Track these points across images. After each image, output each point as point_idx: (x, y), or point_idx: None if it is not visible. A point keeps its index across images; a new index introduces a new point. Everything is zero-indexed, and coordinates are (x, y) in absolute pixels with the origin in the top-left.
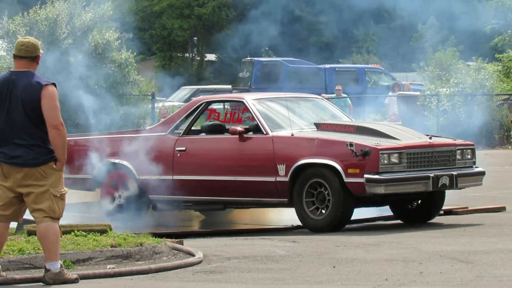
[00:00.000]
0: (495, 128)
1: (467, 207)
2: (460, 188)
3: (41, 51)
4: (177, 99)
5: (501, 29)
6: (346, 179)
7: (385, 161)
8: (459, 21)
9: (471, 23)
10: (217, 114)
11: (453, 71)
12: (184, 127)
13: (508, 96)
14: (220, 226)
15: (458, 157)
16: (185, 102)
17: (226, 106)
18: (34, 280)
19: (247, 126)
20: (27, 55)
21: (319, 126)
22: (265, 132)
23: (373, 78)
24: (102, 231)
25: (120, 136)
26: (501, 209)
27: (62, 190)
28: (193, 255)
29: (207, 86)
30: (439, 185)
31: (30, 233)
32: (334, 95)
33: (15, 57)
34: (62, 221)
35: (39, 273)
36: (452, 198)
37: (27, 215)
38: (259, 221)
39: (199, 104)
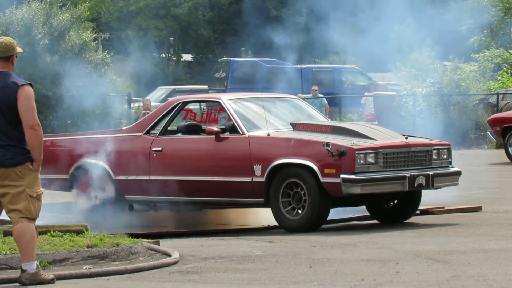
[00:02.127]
0: (471, 128)
1: (443, 207)
2: (436, 188)
3: (18, 49)
4: (153, 99)
5: (477, 29)
6: (322, 179)
7: (361, 161)
8: (435, 21)
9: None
10: (193, 114)
11: (429, 71)
12: (160, 127)
13: (484, 96)
14: (196, 227)
15: (434, 157)
16: (161, 102)
17: (202, 106)
18: (10, 280)
19: (224, 126)
20: (0, 55)
21: (296, 126)
22: (241, 132)
23: (349, 78)
24: (79, 232)
25: (96, 136)
26: (477, 209)
27: (39, 190)
28: (170, 256)
29: (183, 86)
30: (415, 185)
31: (6, 233)
32: (311, 95)
33: None
34: (38, 222)
35: (15, 274)
36: (428, 198)
37: (3, 216)
38: (235, 221)
39: (175, 104)
